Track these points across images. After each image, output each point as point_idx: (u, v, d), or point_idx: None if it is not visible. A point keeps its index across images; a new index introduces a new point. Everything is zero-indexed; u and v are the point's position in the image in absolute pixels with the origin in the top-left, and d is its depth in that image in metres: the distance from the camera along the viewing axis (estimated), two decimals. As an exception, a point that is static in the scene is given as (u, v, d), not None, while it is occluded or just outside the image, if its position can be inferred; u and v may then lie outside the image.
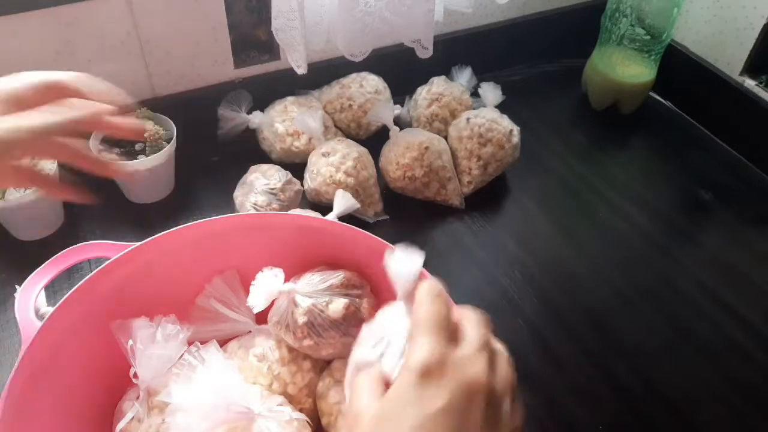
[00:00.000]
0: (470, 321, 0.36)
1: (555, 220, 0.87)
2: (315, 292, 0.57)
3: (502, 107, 0.92)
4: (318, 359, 0.60)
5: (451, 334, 0.35)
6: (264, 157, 0.90)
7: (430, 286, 0.37)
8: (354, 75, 0.95)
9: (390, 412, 0.32)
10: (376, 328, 0.41)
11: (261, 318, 0.60)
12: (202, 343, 0.57)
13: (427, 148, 0.84)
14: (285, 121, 0.88)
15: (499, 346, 0.37)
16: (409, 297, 0.41)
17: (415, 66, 0.90)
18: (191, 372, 0.53)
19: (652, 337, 0.74)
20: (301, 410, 0.57)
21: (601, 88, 1.03)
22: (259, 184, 0.78)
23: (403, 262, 0.41)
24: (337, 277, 0.59)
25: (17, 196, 0.72)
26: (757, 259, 0.83)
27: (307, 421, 0.55)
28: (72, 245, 0.58)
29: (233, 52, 0.89)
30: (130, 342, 0.54)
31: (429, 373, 0.32)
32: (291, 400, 0.57)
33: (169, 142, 0.80)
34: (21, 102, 0.47)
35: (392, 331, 0.39)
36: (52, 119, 0.47)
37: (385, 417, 0.32)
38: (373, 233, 0.58)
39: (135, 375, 0.55)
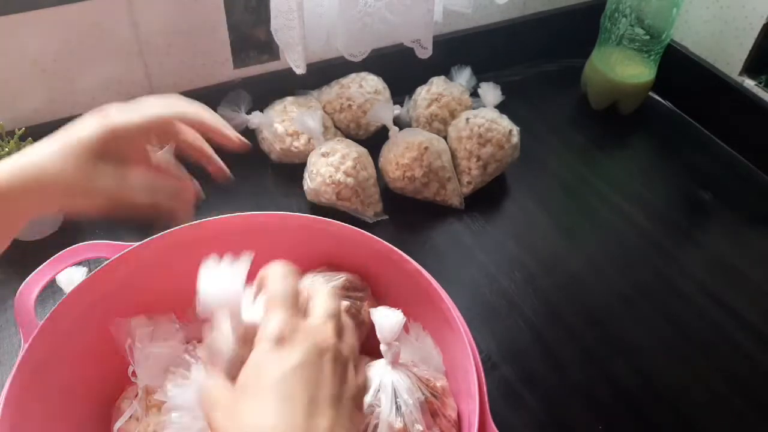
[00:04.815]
0: (320, 296, 0.40)
1: (555, 220, 0.87)
2: (316, 293, 0.57)
3: (501, 107, 0.92)
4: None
5: (300, 307, 0.39)
6: (263, 158, 0.90)
7: (281, 266, 0.40)
8: (353, 75, 0.95)
9: (250, 377, 0.35)
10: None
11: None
12: (200, 342, 0.57)
13: (426, 148, 0.84)
14: (284, 122, 0.88)
15: (347, 320, 0.41)
16: (390, 345, 0.51)
17: (414, 66, 0.90)
18: (188, 370, 0.53)
19: (652, 337, 0.74)
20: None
21: (601, 88, 1.03)
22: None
23: (386, 316, 0.50)
24: (339, 279, 0.59)
25: (17, 196, 0.72)
26: (757, 259, 0.83)
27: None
28: (72, 245, 0.58)
29: (232, 52, 0.89)
30: (129, 341, 0.54)
31: (282, 339, 0.35)
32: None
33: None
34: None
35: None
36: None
37: (247, 383, 0.35)
38: (372, 233, 0.58)
39: (133, 373, 0.55)
